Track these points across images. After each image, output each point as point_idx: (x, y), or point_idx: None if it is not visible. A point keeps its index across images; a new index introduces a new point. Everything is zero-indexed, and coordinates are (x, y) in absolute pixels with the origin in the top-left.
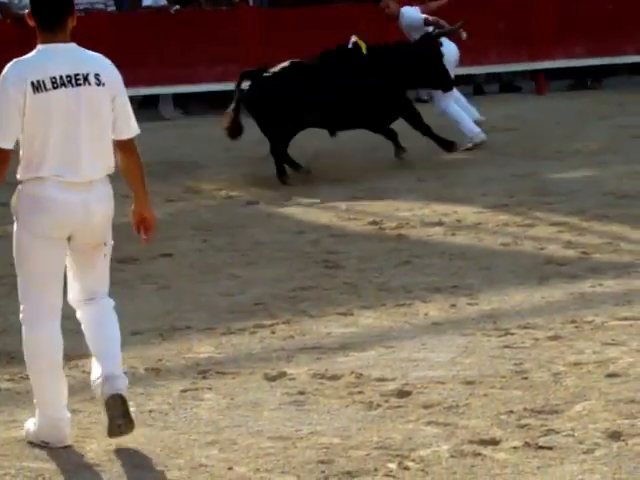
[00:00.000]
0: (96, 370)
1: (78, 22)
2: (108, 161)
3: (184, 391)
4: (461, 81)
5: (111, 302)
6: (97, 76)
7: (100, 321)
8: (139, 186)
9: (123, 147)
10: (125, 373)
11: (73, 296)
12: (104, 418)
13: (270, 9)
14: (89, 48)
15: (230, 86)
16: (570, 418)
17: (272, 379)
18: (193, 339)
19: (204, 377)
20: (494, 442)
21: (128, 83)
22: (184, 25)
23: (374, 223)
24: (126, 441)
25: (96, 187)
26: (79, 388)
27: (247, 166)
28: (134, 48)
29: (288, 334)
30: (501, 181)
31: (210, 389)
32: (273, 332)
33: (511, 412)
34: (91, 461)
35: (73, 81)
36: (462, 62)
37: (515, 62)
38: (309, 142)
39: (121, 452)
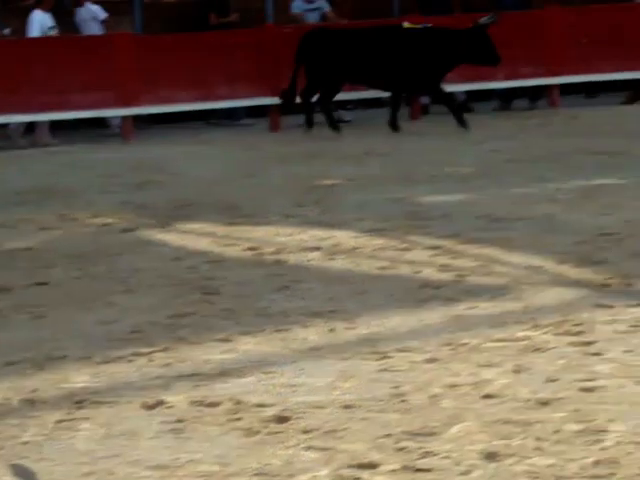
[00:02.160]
0: None
1: None
2: None
3: (60, 422)
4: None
5: None
6: None
7: None
8: None
9: None
10: None
11: None
12: None
13: (146, 35)
14: None
15: (105, 113)
16: (447, 440)
17: (150, 407)
18: (69, 368)
19: (80, 407)
20: (373, 466)
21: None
22: (60, 51)
23: (252, 249)
24: (1, 474)
25: None
26: None
27: (123, 193)
28: (7, 74)
29: (166, 362)
30: (377, 205)
31: (87, 419)
32: (151, 360)
33: (389, 435)
34: None
35: None
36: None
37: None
38: (186, 167)
39: None
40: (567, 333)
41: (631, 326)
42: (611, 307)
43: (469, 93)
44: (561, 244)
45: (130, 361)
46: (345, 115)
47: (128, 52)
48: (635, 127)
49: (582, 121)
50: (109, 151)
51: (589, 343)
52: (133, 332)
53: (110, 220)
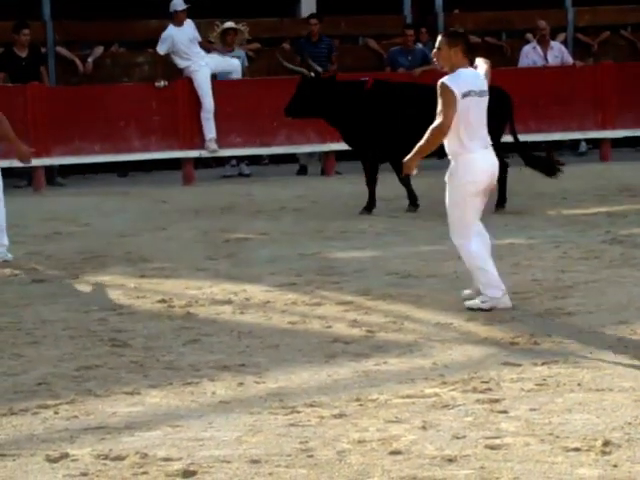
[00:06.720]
0: None
1: None
2: None
3: None
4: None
5: None
6: None
7: None
8: None
9: None
10: None
11: None
12: None
13: (59, 87)
14: None
15: (16, 163)
16: None
17: (54, 461)
18: None
19: None
20: None
21: None
22: None
23: (163, 301)
24: None
25: None
26: None
27: (32, 244)
28: None
29: (72, 414)
30: (289, 260)
31: None
32: (57, 412)
33: None
34: None
35: None
36: None
37: None
38: (97, 219)
39: None
40: (474, 390)
41: (537, 384)
42: (518, 365)
43: None
44: None
45: (35, 413)
46: (245, 169)
47: (40, 103)
48: (542, 188)
49: None
50: (20, 201)
51: (496, 401)
52: (39, 384)
53: (18, 271)
